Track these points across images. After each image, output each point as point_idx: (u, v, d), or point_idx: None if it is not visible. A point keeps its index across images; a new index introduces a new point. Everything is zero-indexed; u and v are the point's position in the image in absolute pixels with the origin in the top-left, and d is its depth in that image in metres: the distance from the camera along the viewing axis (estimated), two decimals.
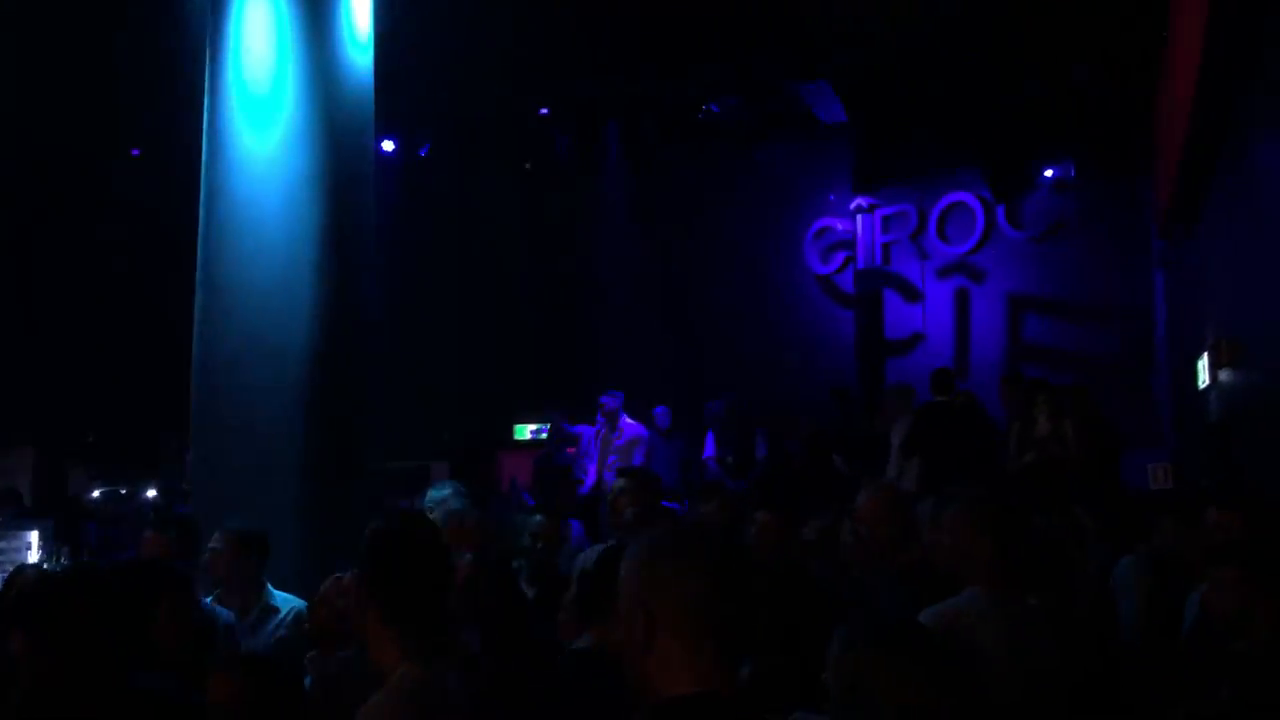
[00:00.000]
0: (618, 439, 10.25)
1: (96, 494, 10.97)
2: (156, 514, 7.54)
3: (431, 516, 5.19)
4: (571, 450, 10.87)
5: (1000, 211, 12.60)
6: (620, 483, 5.21)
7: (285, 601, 4.69)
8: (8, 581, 4.36)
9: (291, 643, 4.36)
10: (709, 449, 10.45)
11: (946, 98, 11.55)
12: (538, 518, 4.84)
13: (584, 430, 10.68)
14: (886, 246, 13.28)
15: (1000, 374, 11.47)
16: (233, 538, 4.68)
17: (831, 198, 13.58)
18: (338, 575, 3.80)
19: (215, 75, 6.34)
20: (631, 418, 10.34)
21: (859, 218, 13.32)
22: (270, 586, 4.73)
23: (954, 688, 2.33)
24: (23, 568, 5.42)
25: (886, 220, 13.27)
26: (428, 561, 2.60)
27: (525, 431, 13.52)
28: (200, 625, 3.51)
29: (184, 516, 5.19)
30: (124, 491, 10.89)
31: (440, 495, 5.39)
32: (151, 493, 10.76)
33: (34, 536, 7.06)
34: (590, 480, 10.33)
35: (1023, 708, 2.99)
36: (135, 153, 12.80)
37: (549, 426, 11.18)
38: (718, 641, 1.67)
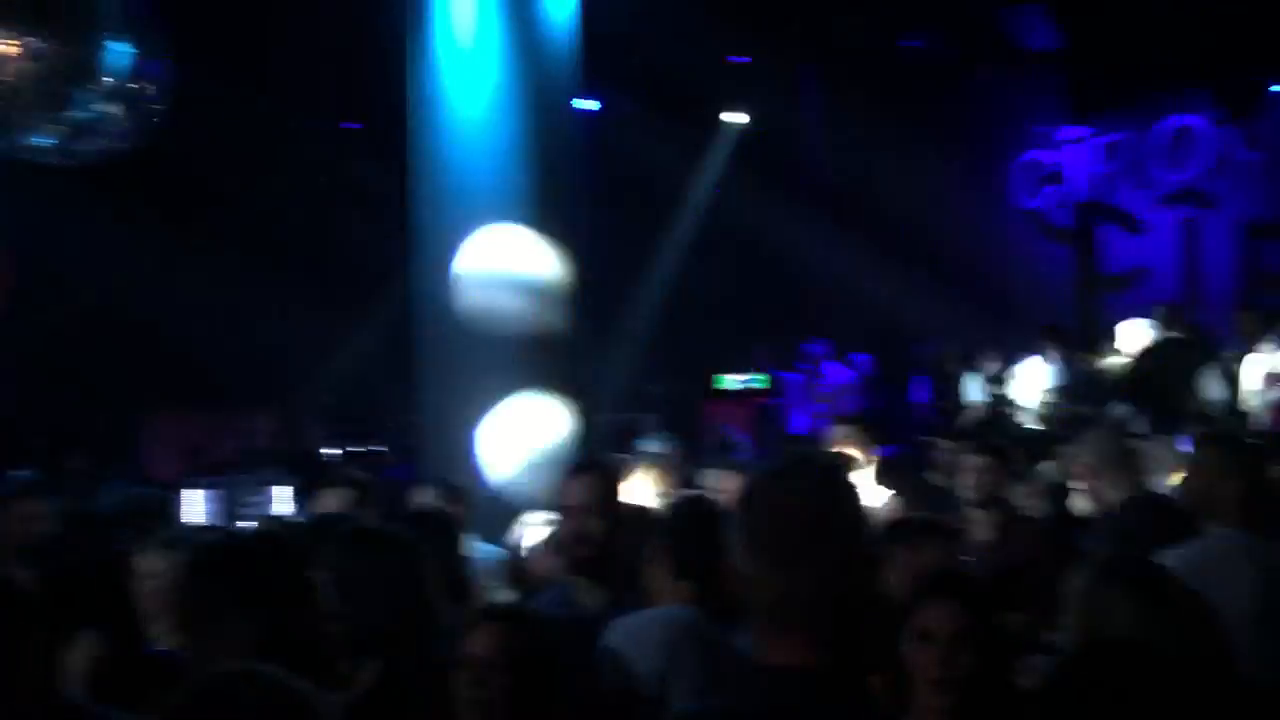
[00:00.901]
0: (823, 386, 10.21)
1: (336, 453, 11.62)
2: (327, 473, 7.87)
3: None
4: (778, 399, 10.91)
5: (1231, 133, 11.72)
6: (841, 429, 5.25)
7: None
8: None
9: None
10: (917, 392, 10.28)
11: (1168, 13, 10.79)
12: None
13: (790, 378, 10.68)
14: (1105, 177, 12.60)
15: (1234, 307, 10.78)
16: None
17: (1042, 129, 12.97)
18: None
19: (418, 40, 6.44)
20: (836, 364, 10.28)
21: (1074, 148, 12.68)
22: None
23: (1197, 630, 2.26)
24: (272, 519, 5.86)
25: (1105, 149, 12.57)
26: (714, 532, 2.91)
27: (730, 381, 13.57)
28: (460, 575, 3.63)
29: (360, 477, 5.47)
30: (362, 451, 11.49)
31: (649, 445, 5.54)
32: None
33: (285, 493, 7.60)
34: (797, 428, 10.34)
35: (1267, 653, 2.87)
36: (358, 126, 13.35)
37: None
38: (780, 619, 1.60)
